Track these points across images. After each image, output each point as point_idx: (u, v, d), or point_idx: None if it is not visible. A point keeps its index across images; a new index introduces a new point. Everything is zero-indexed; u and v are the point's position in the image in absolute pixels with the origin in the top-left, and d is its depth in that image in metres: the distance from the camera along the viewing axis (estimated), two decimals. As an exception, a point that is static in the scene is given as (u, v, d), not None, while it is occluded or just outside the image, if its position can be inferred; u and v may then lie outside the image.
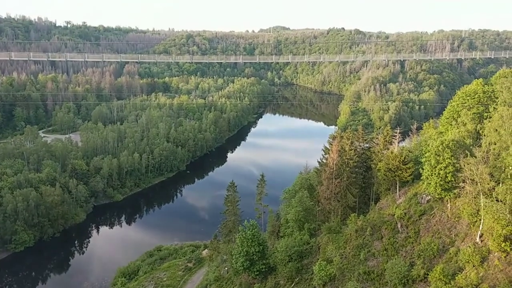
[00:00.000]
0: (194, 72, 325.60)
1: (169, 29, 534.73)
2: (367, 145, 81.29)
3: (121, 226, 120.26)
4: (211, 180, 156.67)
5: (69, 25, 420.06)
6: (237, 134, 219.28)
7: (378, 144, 75.07)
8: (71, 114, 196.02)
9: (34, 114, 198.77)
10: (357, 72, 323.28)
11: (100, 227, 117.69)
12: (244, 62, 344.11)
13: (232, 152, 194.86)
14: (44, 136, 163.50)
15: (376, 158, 71.32)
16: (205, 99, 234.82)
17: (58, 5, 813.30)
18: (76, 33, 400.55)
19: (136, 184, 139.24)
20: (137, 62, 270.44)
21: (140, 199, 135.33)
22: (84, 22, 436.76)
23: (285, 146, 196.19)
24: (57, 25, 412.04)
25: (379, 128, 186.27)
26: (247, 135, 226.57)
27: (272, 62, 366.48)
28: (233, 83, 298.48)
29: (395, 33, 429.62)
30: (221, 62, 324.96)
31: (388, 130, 78.99)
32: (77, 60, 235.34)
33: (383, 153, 70.25)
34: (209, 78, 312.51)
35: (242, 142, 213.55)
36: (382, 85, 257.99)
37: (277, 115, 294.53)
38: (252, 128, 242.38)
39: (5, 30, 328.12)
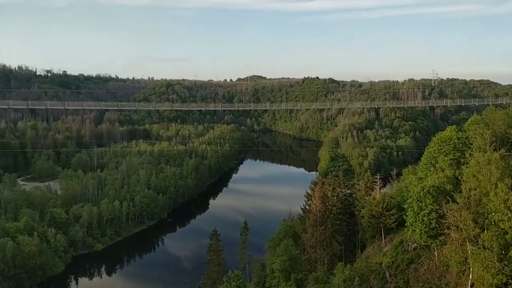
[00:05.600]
0: (174, 119, 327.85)
1: (149, 78, 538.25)
2: (349, 191, 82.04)
3: (101, 277, 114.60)
4: (194, 228, 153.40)
5: (49, 74, 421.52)
6: (218, 181, 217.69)
7: (359, 190, 75.81)
8: (51, 162, 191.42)
9: (13, 162, 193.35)
10: (333, 119, 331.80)
11: (79, 278, 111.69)
12: (224, 110, 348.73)
13: (214, 199, 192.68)
14: (22, 184, 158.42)
15: (359, 204, 71.75)
16: (185, 145, 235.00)
17: (39, 54, 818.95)
18: (57, 81, 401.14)
19: (117, 233, 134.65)
20: (117, 109, 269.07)
21: (121, 248, 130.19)
22: (65, 71, 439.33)
23: (268, 192, 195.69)
24: (37, 73, 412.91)
25: (360, 174, 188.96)
26: (228, 181, 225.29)
27: (250, 110, 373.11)
28: (213, 129, 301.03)
29: (367, 82, 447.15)
30: (201, 110, 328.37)
31: (368, 176, 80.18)
32: (57, 108, 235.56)
33: (365, 199, 71.12)
34: (189, 125, 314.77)
35: (224, 189, 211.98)
36: (359, 131, 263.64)
37: (258, 161, 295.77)
38: (234, 174, 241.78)
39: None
